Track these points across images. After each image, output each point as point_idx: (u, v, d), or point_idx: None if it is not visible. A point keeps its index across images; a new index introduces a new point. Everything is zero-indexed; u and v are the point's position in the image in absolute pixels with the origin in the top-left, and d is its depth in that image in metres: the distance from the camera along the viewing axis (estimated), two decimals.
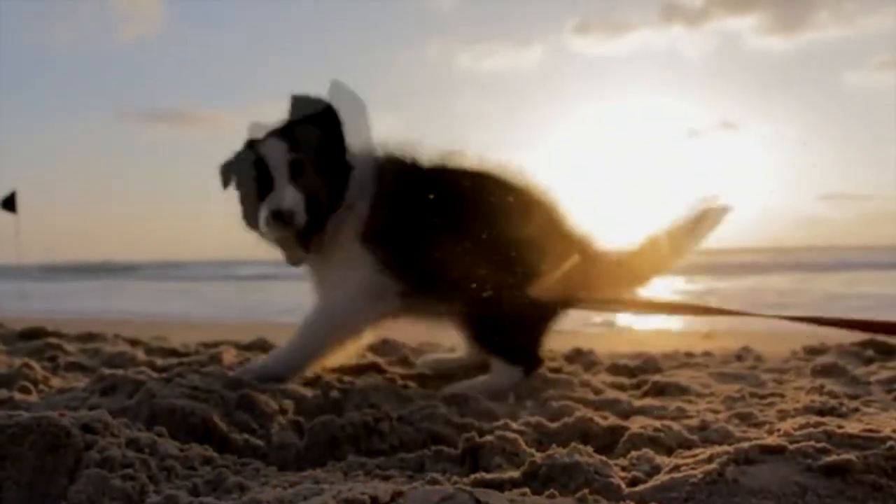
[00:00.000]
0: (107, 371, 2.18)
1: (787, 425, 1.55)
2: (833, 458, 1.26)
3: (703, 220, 2.48)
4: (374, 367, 2.73)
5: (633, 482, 1.32)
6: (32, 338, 3.43)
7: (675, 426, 1.72)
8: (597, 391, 2.32)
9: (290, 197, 2.25)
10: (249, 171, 2.34)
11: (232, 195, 2.42)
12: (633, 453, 1.49)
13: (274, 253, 2.43)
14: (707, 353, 3.35)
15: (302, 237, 2.33)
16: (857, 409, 1.89)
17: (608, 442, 1.70)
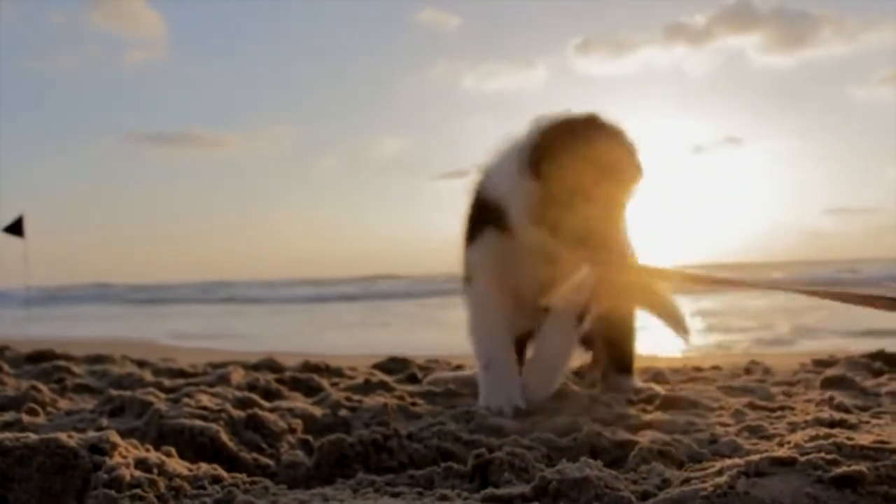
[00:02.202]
0: (115, 392, 2.19)
1: (797, 437, 1.55)
2: (844, 469, 1.25)
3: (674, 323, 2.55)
4: (383, 385, 2.72)
5: (644, 496, 1.31)
6: (40, 360, 3.44)
7: (685, 440, 1.72)
8: (606, 406, 2.31)
9: None
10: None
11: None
12: (643, 467, 1.49)
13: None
14: (715, 367, 3.34)
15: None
16: (867, 421, 1.87)
17: (618, 456, 1.69)
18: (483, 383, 2.33)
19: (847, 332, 6.79)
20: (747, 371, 3.19)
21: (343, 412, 2.16)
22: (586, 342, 2.70)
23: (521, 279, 2.39)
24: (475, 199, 2.41)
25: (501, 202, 2.31)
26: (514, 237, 2.32)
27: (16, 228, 10.81)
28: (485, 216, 2.36)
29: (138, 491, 1.32)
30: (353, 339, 8.04)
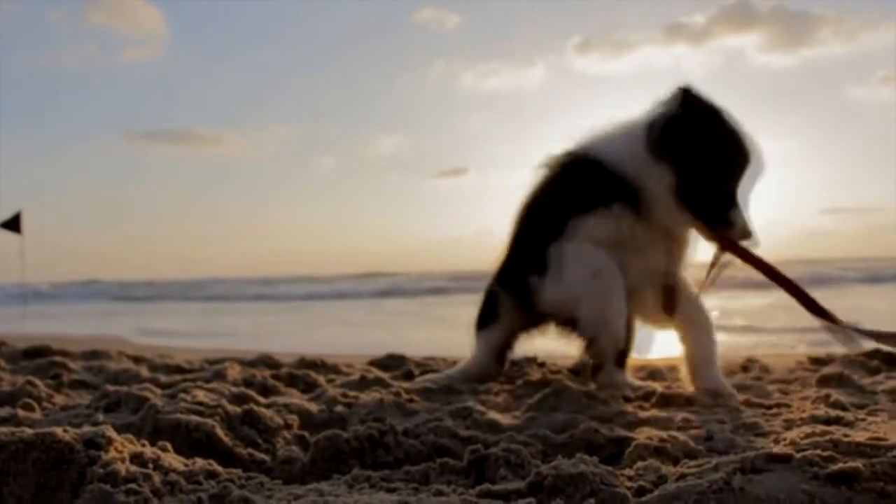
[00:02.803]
0: (110, 387, 2.18)
1: (793, 434, 1.55)
2: (840, 465, 1.25)
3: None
4: (379, 382, 2.72)
5: (640, 492, 1.31)
6: (36, 356, 3.44)
7: (681, 437, 1.71)
8: (603, 403, 2.31)
9: None
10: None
11: None
12: (639, 464, 1.48)
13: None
14: None
15: None
16: (863, 419, 1.88)
17: (614, 453, 1.69)
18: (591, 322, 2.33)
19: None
20: (744, 369, 3.19)
21: (339, 408, 2.15)
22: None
23: (634, 258, 2.36)
24: (593, 170, 2.35)
25: (630, 179, 2.29)
26: (643, 215, 2.31)
27: (13, 225, 10.79)
28: (608, 189, 2.32)
29: (133, 486, 1.32)
30: (349, 337, 8.04)
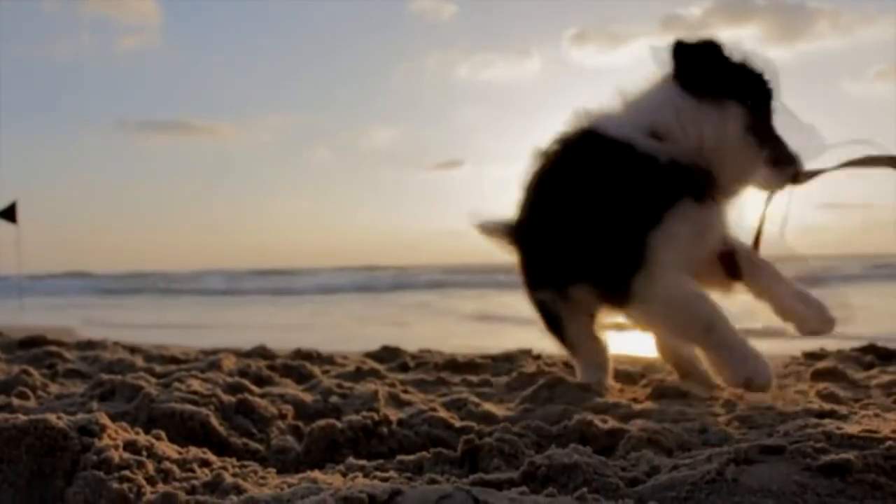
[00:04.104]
0: (105, 376, 2.18)
1: (786, 426, 1.55)
2: (832, 457, 1.25)
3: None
4: (374, 373, 2.72)
5: (633, 482, 1.31)
6: (32, 346, 3.43)
7: (675, 429, 1.72)
8: (597, 395, 2.31)
9: None
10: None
11: None
12: (633, 454, 1.49)
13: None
14: None
15: None
16: (856, 412, 1.88)
17: (608, 444, 1.69)
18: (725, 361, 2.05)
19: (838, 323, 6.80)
20: None
21: (334, 399, 2.15)
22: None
23: (706, 244, 2.15)
24: (650, 169, 2.06)
25: (694, 162, 2.07)
26: (714, 201, 2.11)
27: (9, 214, 10.76)
28: (671, 187, 2.06)
29: (127, 472, 1.32)
30: (343, 330, 8.03)
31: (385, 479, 1.40)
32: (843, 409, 1.90)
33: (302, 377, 2.67)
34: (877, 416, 1.78)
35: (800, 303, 2.16)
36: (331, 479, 1.37)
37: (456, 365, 3.08)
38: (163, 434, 1.61)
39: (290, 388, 2.36)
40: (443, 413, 1.91)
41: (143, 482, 1.32)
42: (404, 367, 3.08)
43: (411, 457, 1.55)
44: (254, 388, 2.20)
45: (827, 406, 1.95)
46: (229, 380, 2.26)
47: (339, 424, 1.74)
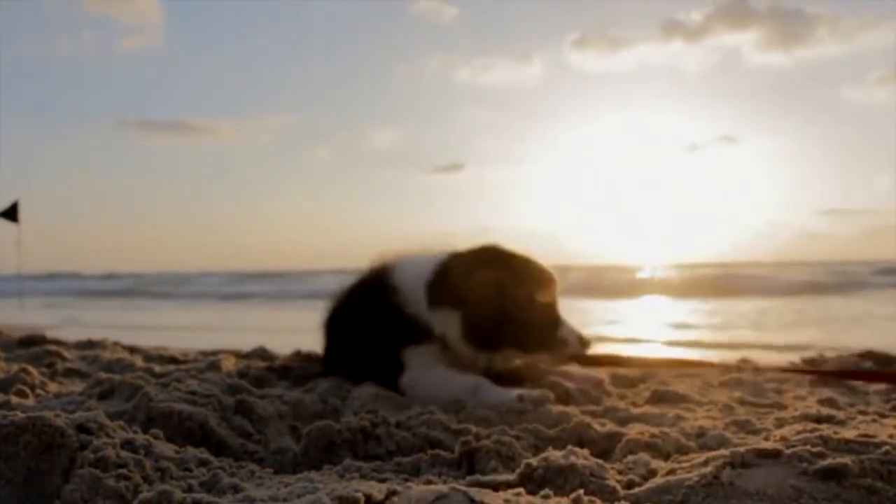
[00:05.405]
0: (104, 375, 2.18)
1: (783, 431, 1.55)
2: (829, 462, 1.25)
3: None
4: None
5: (629, 485, 1.31)
6: (31, 345, 3.43)
7: (673, 432, 1.72)
8: (595, 399, 2.32)
9: None
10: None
11: None
12: (630, 458, 1.49)
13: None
14: (707, 364, 3.33)
15: None
16: (853, 418, 1.88)
17: (605, 448, 1.69)
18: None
19: (838, 329, 6.82)
20: (738, 368, 3.20)
21: (332, 400, 2.15)
22: None
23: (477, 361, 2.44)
24: (398, 312, 2.43)
25: (428, 324, 2.39)
26: (452, 350, 2.40)
27: (10, 214, 10.77)
28: (415, 331, 2.41)
29: (124, 471, 1.32)
30: None
31: (382, 481, 1.40)
32: (840, 415, 1.90)
33: (301, 379, 2.67)
34: (874, 421, 1.78)
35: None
36: (328, 480, 1.37)
37: None
38: (161, 433, 1.61)
39: (289, 390, 2.36)
40: (440, 415, 1.91)
41: (141, 481, 1.31)
42: None
43: (408, 458, 1.56)
44: (253, 389, 2.20)
45: (825, 411, 1.95)
46: (228, 380, 2.25)
47: (336, 426, 1.74)
